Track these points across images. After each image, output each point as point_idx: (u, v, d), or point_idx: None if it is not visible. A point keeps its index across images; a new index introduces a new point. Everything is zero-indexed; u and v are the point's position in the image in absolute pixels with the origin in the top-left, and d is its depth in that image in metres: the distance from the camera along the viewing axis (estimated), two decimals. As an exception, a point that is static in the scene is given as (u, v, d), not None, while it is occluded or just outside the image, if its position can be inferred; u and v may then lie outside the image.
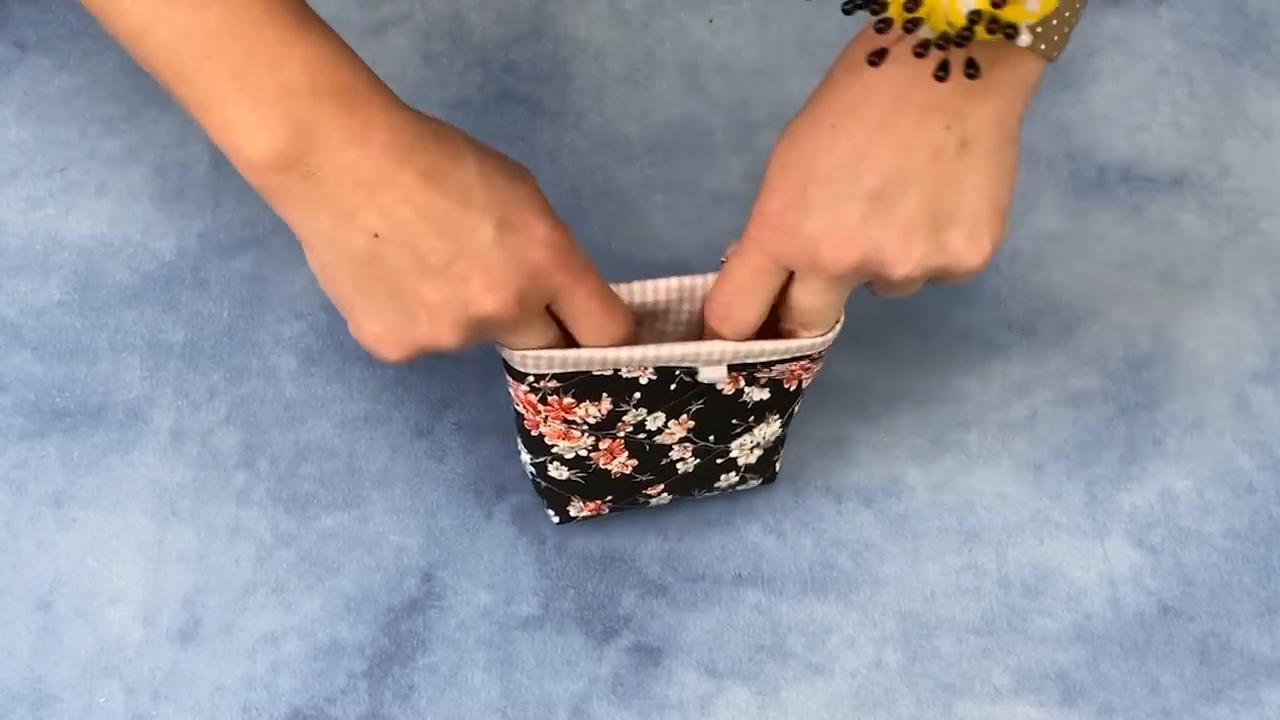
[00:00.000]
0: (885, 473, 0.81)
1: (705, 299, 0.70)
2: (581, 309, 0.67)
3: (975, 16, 0.59)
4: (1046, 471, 0.82)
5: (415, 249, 0.63)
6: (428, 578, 0.78)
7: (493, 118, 0.90)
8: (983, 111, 0.66)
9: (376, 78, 0.63)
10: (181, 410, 0.81)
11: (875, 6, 0.59)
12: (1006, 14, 0.60)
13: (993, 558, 0.79)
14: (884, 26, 0.60)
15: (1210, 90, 0.93)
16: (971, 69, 0.61)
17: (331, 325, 0.84)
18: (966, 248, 0.67)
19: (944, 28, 0.60)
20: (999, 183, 0.67)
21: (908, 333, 0.85)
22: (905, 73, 0.65)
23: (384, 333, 0.66)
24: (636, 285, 0.70)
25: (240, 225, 0.86)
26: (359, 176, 0.61)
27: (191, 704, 0.74)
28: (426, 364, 0.83)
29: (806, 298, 0.69)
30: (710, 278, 0.70)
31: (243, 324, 0.83)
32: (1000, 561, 0.79)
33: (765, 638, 0.77)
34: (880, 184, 0.66)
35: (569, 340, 0.69)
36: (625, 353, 0.68)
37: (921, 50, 0.61)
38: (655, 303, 0.71)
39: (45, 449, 0.80)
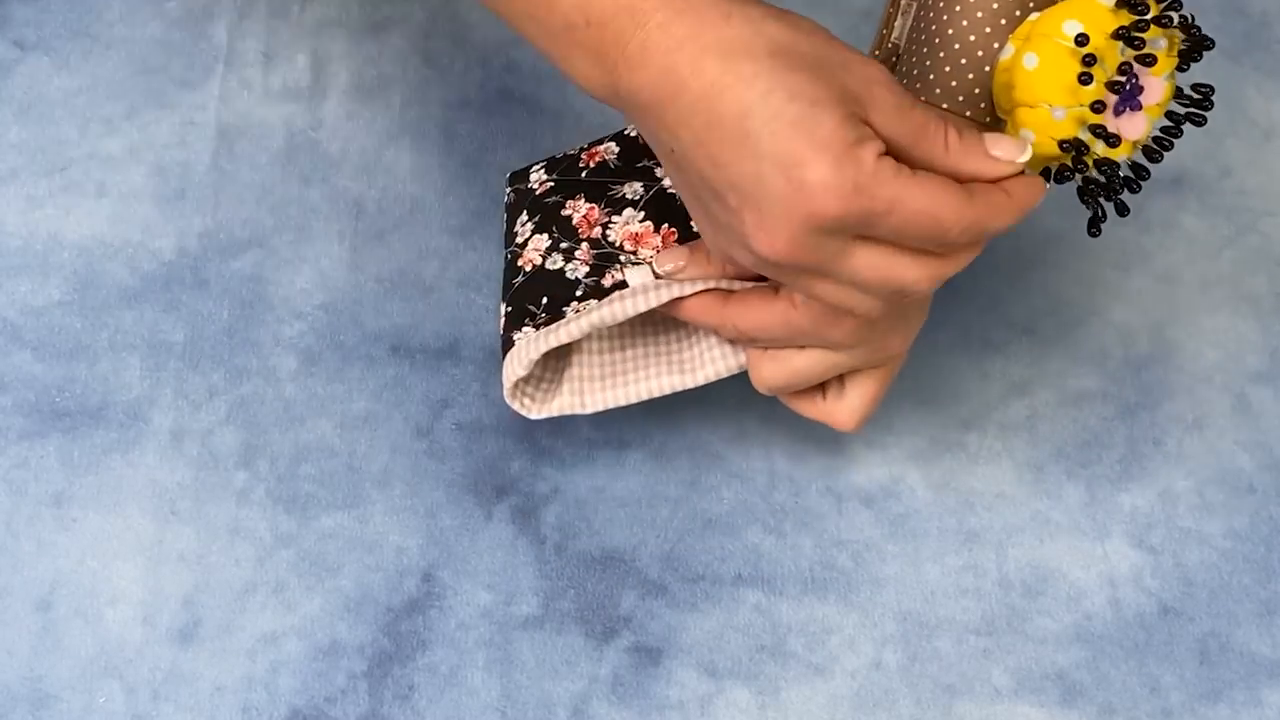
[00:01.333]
0: (885, 473, 0.81)
1: (730, 315, 0.69)
2: (897, 238, 0.59)
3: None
4: (1046, 471, 0.82)
5: (700, 173, 0.60)
6: (428, 578, 0.78)
7: (493, 117, 0.90)
8: None
9: None
10: (181, 410, 0.81)
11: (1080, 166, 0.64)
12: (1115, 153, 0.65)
13: (993, 558, 0.79)
14: (1068, 177, 0.65)
15: (1210, 90, 0.92)
16: (1124, 212, 0.66)
17: (331, 325, 0.84)
18: None
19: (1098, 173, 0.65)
20: None
21: (908, 333, 0.85)
22: None
23: (706, 239, 0.65)
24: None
25: (240, 225, 0.86)
26: (646, 99, 0.59)
27: (191, 704, 0.74)
28: (426, 364, 0.83)
29: (862, 385, 0.72)
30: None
31: (243, 324, 0.83)
32: (1000, 561, 0.79)
33: (765, 638, 0.77)
34: None
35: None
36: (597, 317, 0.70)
37: (1090, 199, 0.65)
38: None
39: (45, 449, 0.80)
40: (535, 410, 0.75)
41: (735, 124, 0.56)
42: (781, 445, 0.82)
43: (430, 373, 0.83)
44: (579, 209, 0.74)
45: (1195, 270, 0.87)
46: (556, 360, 0.76)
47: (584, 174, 0.76)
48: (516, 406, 0.75)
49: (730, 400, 0.82)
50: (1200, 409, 0.84)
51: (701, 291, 0.70)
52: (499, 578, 0.78)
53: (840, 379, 0.73)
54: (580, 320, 0.70)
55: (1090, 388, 0.84)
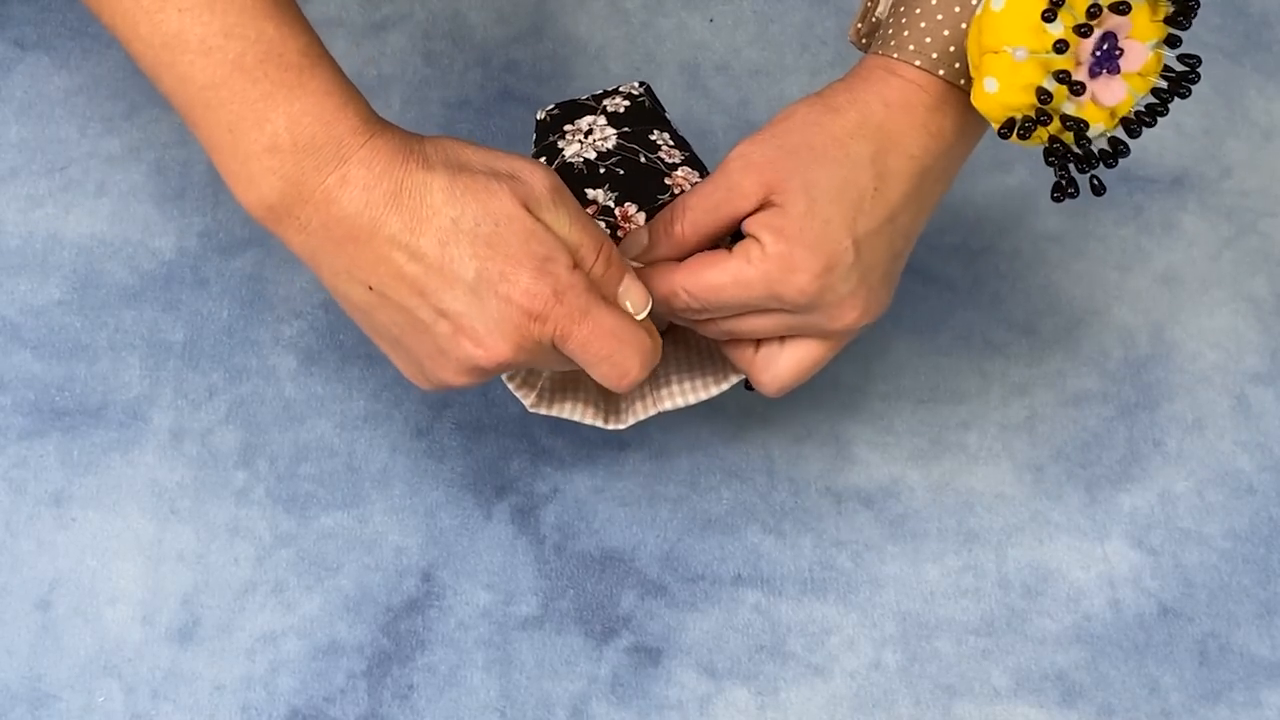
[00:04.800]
0: (885, 473, 0.81)
1: (681, 273, 0.68)
2: (581, 351, 0.64)
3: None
4: (1046, 472, 0.82)
5: (403, 306, 0.63)
6: (427, 578, 0.78)
7: (493, 117, 0.90)
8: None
9: (366, 123, 0.62)
10: (181, 410, 0.81)
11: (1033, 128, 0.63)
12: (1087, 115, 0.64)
13: (992, 558, 0.79)
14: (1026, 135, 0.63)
15: (1210, 90, 0.92)
16: (1100, 190, 0.66)
17: (331, 325, 0.84)
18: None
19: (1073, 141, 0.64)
20: None
21: (907, 333, 0.85)
22: (933, 143, 0.66)
23: (405, 372, 0.67)
24: None
25: (240, 225, 0.86)
26: (343, 232, 0.62)
27: (191, 704, 0.74)
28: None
29: (798, 351, 0.69)
30: None
31: (243, 324, 0.83)
32: (1000, 562, 0.79)
33: (765, 638, 0.77)
34: (903, 245, 0.67)
35: None
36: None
37: (1055, 161, 0.64)
38: None
39: (45, 448, 0.80)
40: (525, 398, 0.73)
41: (437, 253, 0.61)
42: (781, 445, 0.82)
43: (430, 372, 0.83)
44: None
45: (1195, 270, 0.87)
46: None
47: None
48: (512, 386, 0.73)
49: (730, 401, 0.82)
50: (1200, 409, 0.84)
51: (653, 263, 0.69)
52: (498, 578, 0.78)
53: (781, 339, 0.70)
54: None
55: (1090, 388, 0.84)
